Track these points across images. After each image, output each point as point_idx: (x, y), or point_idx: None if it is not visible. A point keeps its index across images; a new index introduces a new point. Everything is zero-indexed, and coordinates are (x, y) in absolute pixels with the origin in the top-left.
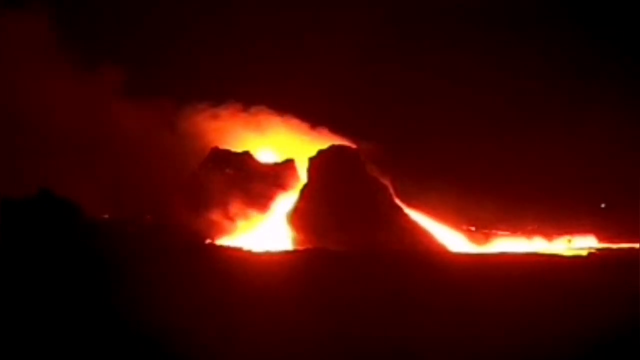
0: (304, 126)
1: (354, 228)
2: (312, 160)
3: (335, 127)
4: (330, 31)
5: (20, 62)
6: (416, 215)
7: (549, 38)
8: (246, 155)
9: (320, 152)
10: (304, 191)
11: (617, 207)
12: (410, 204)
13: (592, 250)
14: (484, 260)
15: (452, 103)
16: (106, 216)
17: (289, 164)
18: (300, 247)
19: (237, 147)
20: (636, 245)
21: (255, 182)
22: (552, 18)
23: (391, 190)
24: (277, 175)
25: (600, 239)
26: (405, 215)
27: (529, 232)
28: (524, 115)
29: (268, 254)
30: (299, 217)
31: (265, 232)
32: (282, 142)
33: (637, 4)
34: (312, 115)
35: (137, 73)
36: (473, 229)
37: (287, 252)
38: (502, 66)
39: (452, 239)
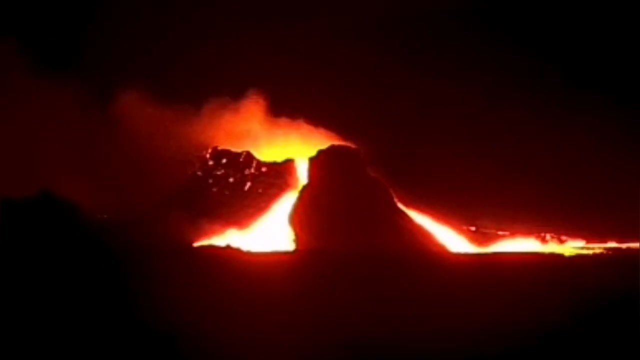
0: (305, 126)
1: (354, 228)
2: (312, 160)
3: (336, 128)
4: (332, 32)
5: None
6: (416, 216)
7: (548, 39)
8: (246, 155)
9: (320, 152)
10: (304, 191)
11: (616, 207)
12: (410, 205)
13: (593, 251)
14: (484, 260)
15: (452, 104)
16: (106, 216)
17: (289, 164)
18: (300, 248)
19: (237, 147)
20: (636, 245)
21: (255, 182)
22: (551, 18)
23: (391, 191)
24: (277, 175)
25: (598, 239)
26: (406, 215)
27: (528, 233)
28: (524, 116)
29: (268, 255)
30: (299, 217)
31: (265, 232)
32: (282, 142)
33: (637, 4)
34: (312, 115)
35: (136, 74)
36: (473, 229)
37: (287, 253)
38: (502, 68)
39: (452, 239)
